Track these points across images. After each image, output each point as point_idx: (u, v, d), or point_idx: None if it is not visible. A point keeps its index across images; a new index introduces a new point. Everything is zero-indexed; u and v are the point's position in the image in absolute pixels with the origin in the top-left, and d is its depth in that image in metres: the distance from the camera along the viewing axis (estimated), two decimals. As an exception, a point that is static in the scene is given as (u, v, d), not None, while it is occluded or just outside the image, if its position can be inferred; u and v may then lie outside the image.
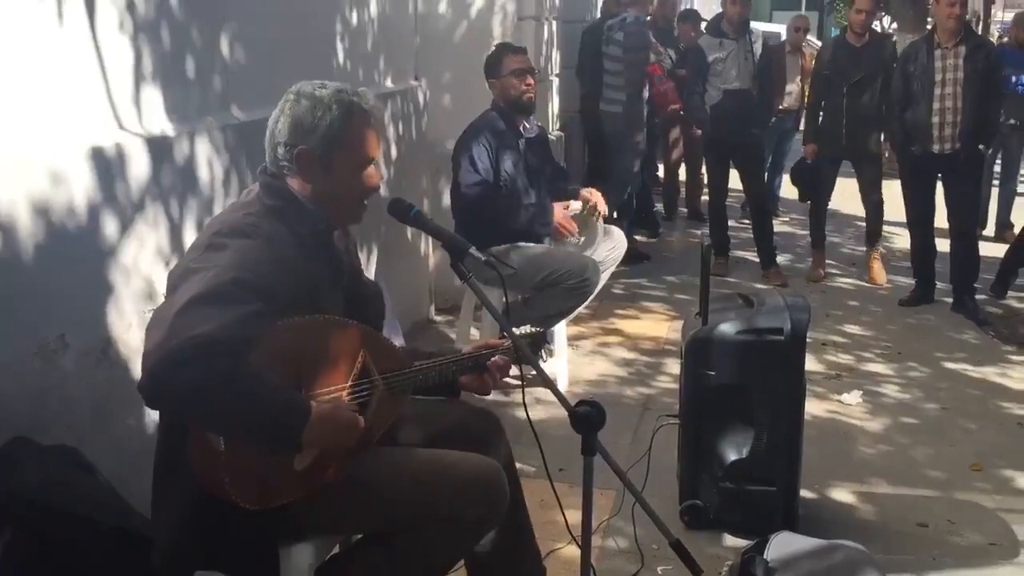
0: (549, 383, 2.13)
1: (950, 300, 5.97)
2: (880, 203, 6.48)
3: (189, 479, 1.95)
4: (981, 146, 5.80)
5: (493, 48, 4.61)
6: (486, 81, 4.43)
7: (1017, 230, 7.53)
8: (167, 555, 2.03)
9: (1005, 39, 10.03)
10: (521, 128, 4.38)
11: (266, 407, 1.85)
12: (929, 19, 12.12)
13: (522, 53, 4.45)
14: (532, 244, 4.25)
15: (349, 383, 2.07)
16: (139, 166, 2.67)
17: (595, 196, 4.40)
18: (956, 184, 5.81)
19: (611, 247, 4.58)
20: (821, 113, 6.48)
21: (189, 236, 2.84)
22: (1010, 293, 6.28)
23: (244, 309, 1.84)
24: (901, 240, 7.71)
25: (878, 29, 7.84)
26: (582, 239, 4.40)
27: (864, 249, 6.77)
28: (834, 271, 6.78)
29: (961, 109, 5.54)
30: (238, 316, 1.82)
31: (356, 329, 2.12)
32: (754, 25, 6.90)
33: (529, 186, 4.35)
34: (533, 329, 2.51)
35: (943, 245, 6.03)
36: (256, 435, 1.89)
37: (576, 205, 4.37)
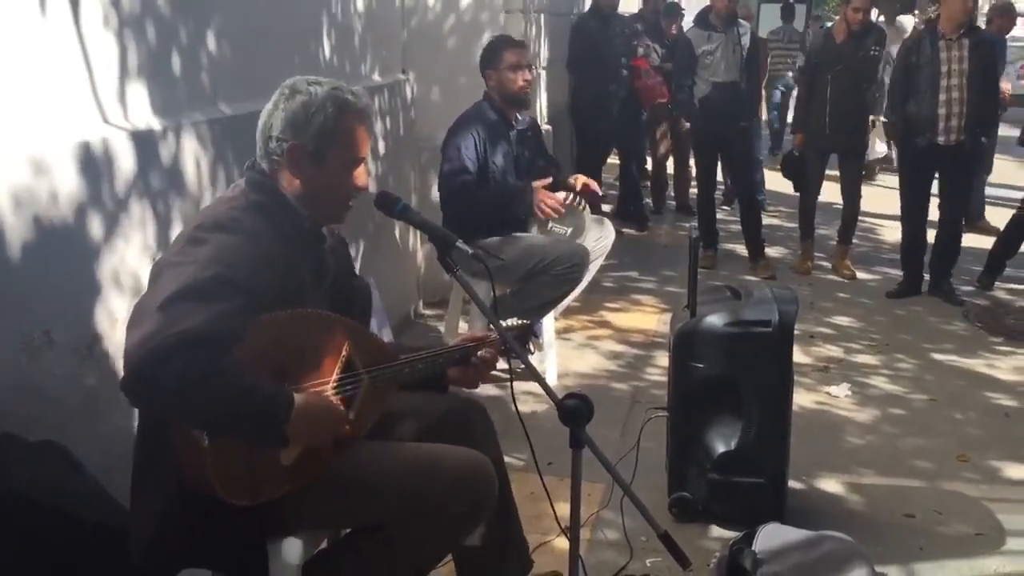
0: (537, 376, 2.13)
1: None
2: (858, 200, 6.51)
3: (169, 474, 1.95)
4: (984, 139, 5.82)
5: (492, 39, 4.60)
6: (480, 72, 4.41)
7: (992, 221, 7.61)
8: (146, 550, 2.02)
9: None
10: (513, 120, 4.38)
11: (250, 401, 1.84)
12: (915, 12, 12.17)
13: (521, 47, 4.44)
14: (521, 234, 4.24)
15: (334, 377, 2.07)
16: (125, 161, 2.65)
17: (581, 181, 4.39)
18: (954, 175, 5.85)
19: (599, 236, 4.57)
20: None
21: (175, 231, 2.82)
22: (997, 284, 6.32)
23: (225, 305, 1.84)
24: (889, 232, 7.75)
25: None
26: (569, 230, 4.39)
27: (835, 243, 6.78)
28: (823, 263, 6.79)
29: (966, 101, 5.57)
30: (219, 312, 1.82)
31: (340, 323, 2.12)
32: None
33: (518, 178, 4.34)
34: (520, 321, 2.51)
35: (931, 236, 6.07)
36: (241, 430, 1.89)
37: (561, 195, 4.35)
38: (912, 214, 6.03)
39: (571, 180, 4.44)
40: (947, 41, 5.60)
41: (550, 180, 4.33)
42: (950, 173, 5.85)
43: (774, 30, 11.92)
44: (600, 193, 4.48)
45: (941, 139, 5.65)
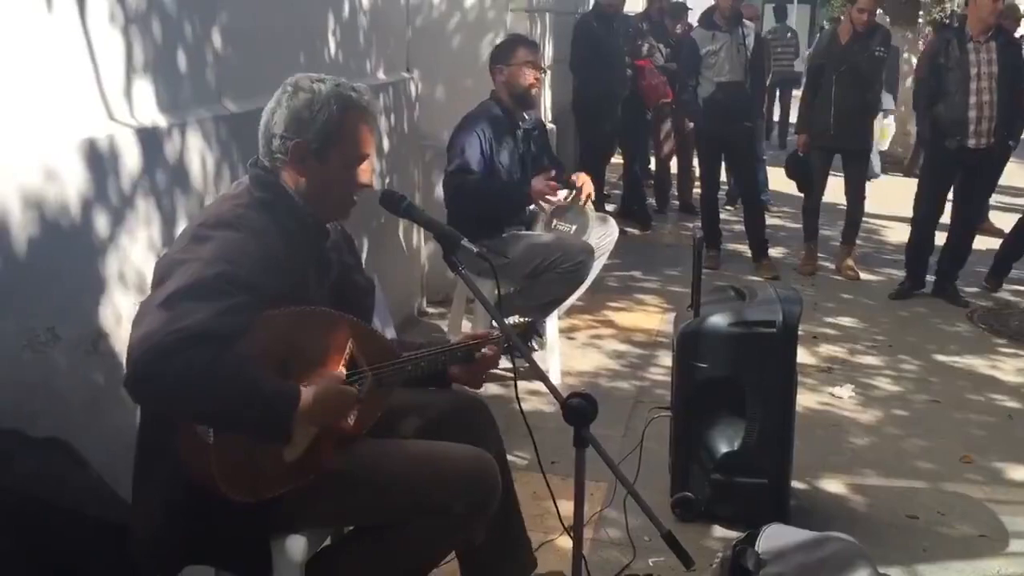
0: (541, 375, 2.13)
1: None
2: (862, 201, 6.49)
3: (172, 471, 1.95)
4: (1011, 142, 5.78)
5: (507, 36, 4.58)
6: (490, 68, 4.39)
7: (997, 223, 7.59)
8: (149, 547, 2.02)
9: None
10: (520, 119, 4.37)
11: (253, 398, 1.84)
12: (916, 12, 12.14)
13: (536, 49, 4.43)
14: (526, 232, 4.24)
15: (337, 374, 2.07)
16: (130, 158, 2.65)
17: (582, 179, 4.40)
18: (978, 177, 5.84)
19: (603, 234, 4.57)
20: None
21: (180, 228, 2.82)
22: (1004, 286, 6.31)
23: (228, 301, 1.84)
24: (892, 233, 7.75)
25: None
26: (573, 227, 4.39)
27: (839, 244, 6.78)
28: (826, 264, 6.78)
29: (996, 103, 5.54)
30: (222, 308, 1.82)
31: (344, 320, 2.12)
32: None
33: (523, 176, 4.34)
34: (521, 320, 2.51)
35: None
36: (245, 426, 1.89)
37: (563, 193, 4.35)
38: (927, 215, 5.98)
39: (573, 178, 4.43)
40: (975, 43, 5.56)
41: (553, 172, 4.32)
42: (976, 176, 5.82)
43: (771, 29, 12.15)
44: (592, 194, 4.46)
45: (971, 142, 5.60)
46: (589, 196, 4.39)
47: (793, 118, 12.28)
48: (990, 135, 5.59)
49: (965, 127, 5.58)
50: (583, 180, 4.38)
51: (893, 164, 11.52)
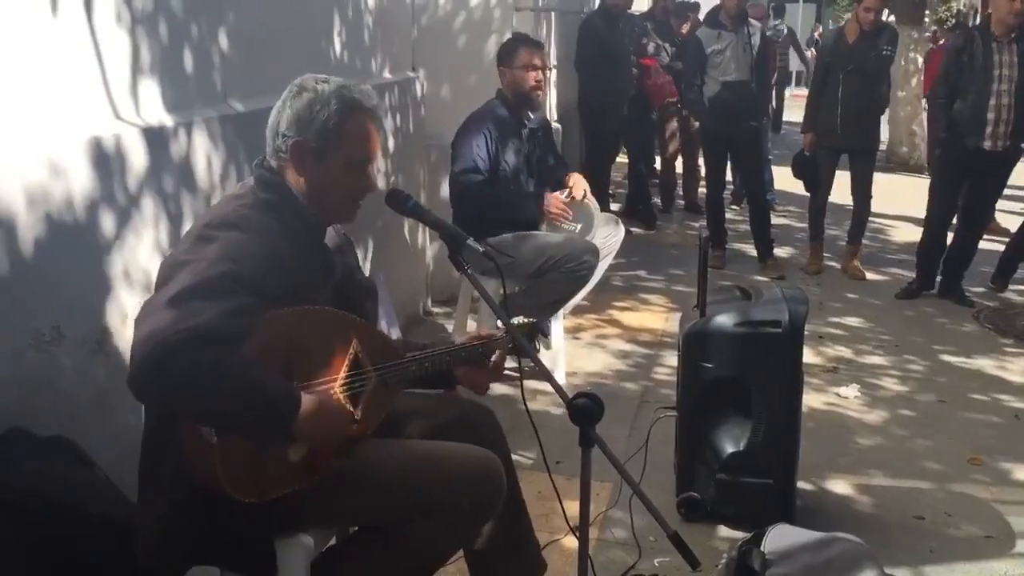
0: (548, 375, 2.12)
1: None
2: (869, 200, 6.47)
3: (177, 472, 1.94)
4: (1023, 144, 5.77)
5: (512, 35, 4.58)
6: (497, 67, 4.40)
7: (1003, 223, 7.57)
8: (153, 547, 2.02)
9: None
10: (525, 118, 4.37)
11: (256, 398, 1.83)
12: (922, 11, 12.11)
13: (539, 49, 4.42)
14: (531, 232, 4.24)
15: (341, 374, 2.06)
16: (136, 157, 2.65)
17: (574, 179, 4.40)
18: (991, 179, 5.80)
19: (608, 234, 4.57)
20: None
21: (186, 227, 2.82)
22: (1010, 286, 6.29)
23: (233, 302, 1.83)
24: (898, 232, 7.73)
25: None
26: (579, 226, 4.39)
27: (845, 243, 6.76)
28: (832, 263, 6.77)
29: (1014, 107, 5.51)
30: (227, 308, 1.81)
31: (348, 321, 2.11)
32: None
33: (529, 176, 4.34)
34: (526, 320, 2.50)
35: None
36: (247, 427, 1.88)
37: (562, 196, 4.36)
38: (941, 216, 5.96)
39: (566, 178, 4.44)
40: (998, 43, 5.52)
41: (566, 193, 4.32)
42: (990, 178, 5.79)
43: (770, 27, 12.18)
44: (588, 190, 4.46)
45: (988, 144, 5.55)
46: (584, 191, 4.39)
47: (788, 115, 12.36)
48: (1006, 138, 5.55)
49: (983, 128, 5.53)
50: (575, 180, 4.38)
51: (899, 163, 11.49)
